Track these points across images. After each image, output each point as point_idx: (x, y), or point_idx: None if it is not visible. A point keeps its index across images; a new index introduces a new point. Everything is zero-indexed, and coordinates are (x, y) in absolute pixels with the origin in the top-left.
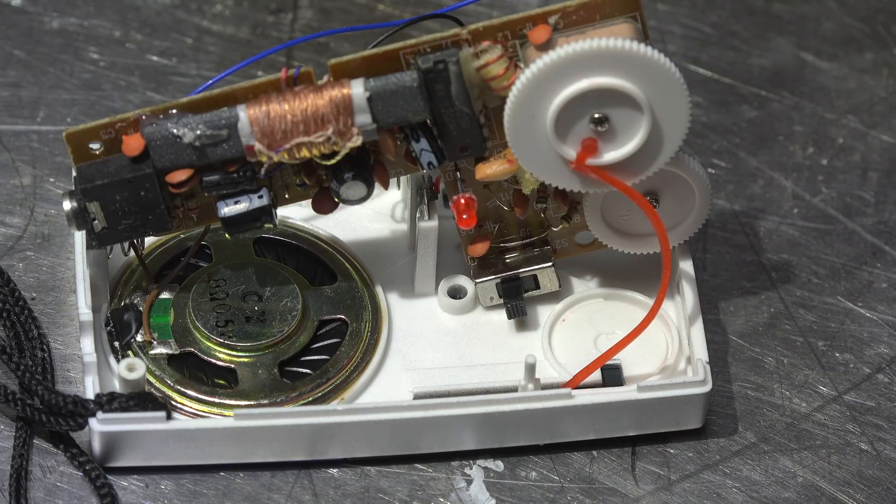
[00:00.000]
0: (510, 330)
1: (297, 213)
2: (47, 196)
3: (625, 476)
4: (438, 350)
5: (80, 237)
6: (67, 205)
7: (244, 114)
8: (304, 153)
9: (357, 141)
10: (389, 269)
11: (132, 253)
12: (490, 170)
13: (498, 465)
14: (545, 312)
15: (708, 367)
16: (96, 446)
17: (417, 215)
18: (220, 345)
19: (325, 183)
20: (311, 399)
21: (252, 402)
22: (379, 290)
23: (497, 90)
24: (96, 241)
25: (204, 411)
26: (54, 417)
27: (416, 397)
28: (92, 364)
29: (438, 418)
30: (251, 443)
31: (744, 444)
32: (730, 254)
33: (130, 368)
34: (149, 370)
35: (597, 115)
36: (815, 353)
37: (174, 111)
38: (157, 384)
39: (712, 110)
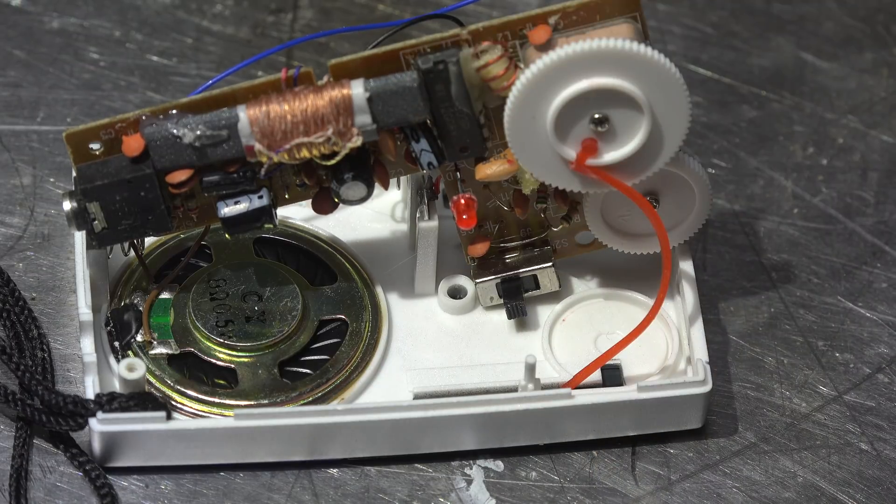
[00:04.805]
0: (510, 330)
1: (297, 213)
2: (47, 196)
3: (625, 476)
4: (438, 350)
5: (80, 237)
6: (67, 205)
7: (244, 114)
8: (304, 154)
9: (357, 141)
10: (389, 269)
11: (132, 253)
12: (490, 170)
13: (498, 465)
14: (545, 312)
15: (708, 367)
16: (96, 446)
17: (417, 215)
18: (220, 345)
19: (325, 183)
20: (311, 399)
21: (252, 402)
22: (379, 290)
23: (497, 90)
24: (96, 242)
25: (204, 411)
26: (54, 417)
27: (416, 397)
28: (92, 364)
29: (438, 418)
30: (251, 443)
31: (744, 444)
32: (730, 254)
33: (130, 368)
34: (149, 370)
35: (597, 116)
36: (815, 353)
37: (174, 111)
38: (157, 384)
39: (712, 110)
